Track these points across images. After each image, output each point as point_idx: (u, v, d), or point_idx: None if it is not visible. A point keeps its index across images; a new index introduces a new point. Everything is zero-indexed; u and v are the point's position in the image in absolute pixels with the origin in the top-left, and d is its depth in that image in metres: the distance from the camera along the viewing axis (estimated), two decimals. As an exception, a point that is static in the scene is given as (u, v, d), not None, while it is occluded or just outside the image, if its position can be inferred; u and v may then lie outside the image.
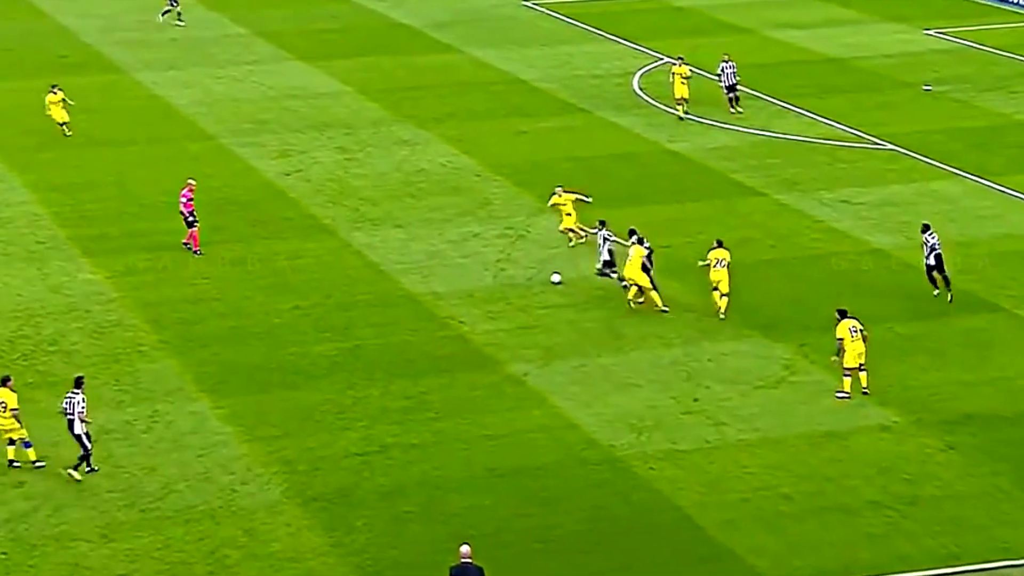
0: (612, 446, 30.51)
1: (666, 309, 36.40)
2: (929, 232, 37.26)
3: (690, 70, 51.88)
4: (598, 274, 37.88)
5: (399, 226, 42.97)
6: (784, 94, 55.93)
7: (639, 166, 48.51)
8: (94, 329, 35.98)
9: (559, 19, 69.42)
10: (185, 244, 40.81)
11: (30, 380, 33.17)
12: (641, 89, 56.33)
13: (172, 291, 38.36)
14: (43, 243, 41.70)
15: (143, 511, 28.11)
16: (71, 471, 28.93)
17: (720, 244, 36.86)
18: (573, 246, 40.63)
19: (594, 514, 28.13)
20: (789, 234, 42.23)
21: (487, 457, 30.11)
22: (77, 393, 29.11)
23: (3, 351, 34.75)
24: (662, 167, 48.45)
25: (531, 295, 38.05)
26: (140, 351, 34.82)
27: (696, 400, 32.53)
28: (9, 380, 29.84)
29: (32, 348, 34.96)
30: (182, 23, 63.29)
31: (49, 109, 50.16)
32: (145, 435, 30.91)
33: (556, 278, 38.53)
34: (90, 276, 39.26)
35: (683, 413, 31.95)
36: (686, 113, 51.72)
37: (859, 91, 56.61)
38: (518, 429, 31.23)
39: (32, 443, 29.51)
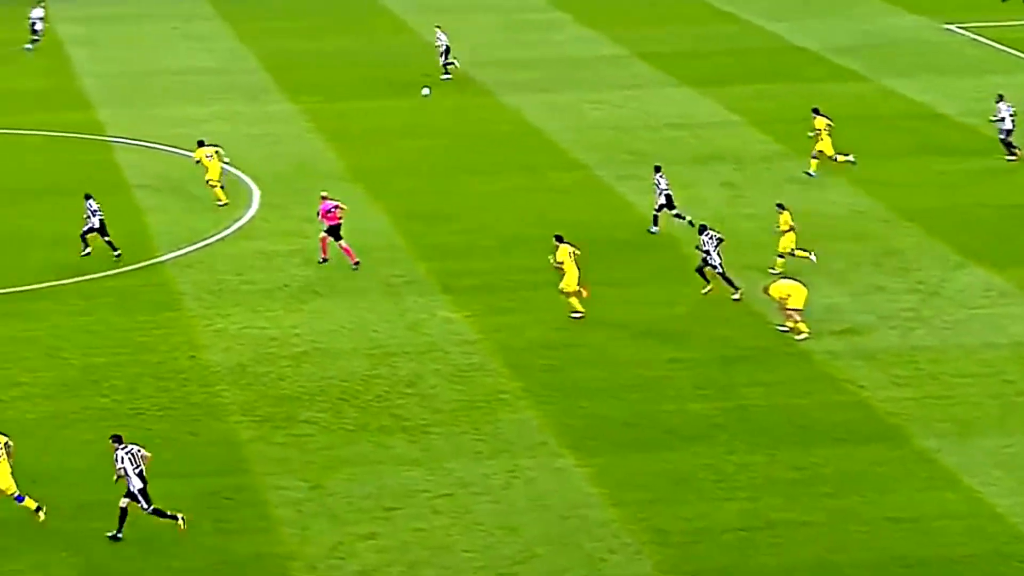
0: (1042, 542, 29.29)
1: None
2: (706, 232, 40.68)
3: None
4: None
5: (791, 275, 42.48)
6: None
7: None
8: (452, 372, 37.05)
9: (989, 45, 67.51)
10: (356, 264, 43.11)
11: (384, 423, 34.43)
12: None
13: (536, 335, 39.13)
14: (401, 276, 43.30)
15: (501, 574, 28.65)
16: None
17: (561, 239, 40.09)
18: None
19: (1018, 619, 27.03)
20: None
21: (891, 543, 29.34)
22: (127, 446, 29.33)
23: (358, 391, 36.19)
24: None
25: (945, 360, 36.98)
26: (501, 399, 35.63)
27: None
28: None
29: (387, 389, 36.28)
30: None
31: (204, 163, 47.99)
32: (505, 491, 31.55)
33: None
34: (449, 315, 40.49)
35: None
36: None
37: None
38: (928, 514, 30.34)
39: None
